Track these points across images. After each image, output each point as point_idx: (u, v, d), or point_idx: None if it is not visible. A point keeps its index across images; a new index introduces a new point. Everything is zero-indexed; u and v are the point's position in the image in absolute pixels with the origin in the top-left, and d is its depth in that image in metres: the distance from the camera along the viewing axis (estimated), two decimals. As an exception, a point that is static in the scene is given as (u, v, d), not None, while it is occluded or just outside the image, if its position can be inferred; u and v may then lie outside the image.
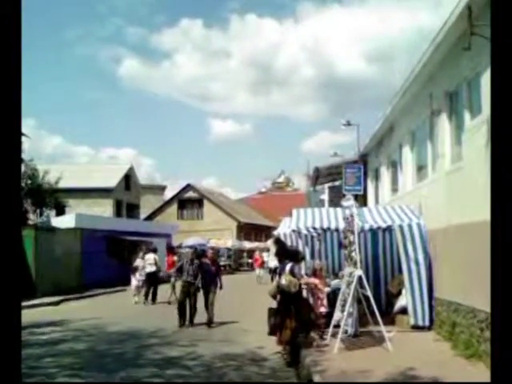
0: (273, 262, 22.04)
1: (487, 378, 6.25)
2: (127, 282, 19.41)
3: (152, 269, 17.33)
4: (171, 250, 21.46)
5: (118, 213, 39.64)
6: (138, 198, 45.29)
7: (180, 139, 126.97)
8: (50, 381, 4.82)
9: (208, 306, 11.85)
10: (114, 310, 15.25)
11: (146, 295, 17.07)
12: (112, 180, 39.86)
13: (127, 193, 42.55)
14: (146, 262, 17.54)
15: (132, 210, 43.06)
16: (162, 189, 56.82)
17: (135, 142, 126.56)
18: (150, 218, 46.05)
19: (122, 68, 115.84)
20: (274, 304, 8.80)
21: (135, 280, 17.59)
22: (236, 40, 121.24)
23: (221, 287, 12.21)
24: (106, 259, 23.77)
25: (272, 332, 8.68)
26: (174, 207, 48.38)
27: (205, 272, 12.09)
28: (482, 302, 7.26)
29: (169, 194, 53.66)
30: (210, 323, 11.65)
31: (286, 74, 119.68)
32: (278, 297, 8.51)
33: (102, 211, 34.96)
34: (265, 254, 39.70)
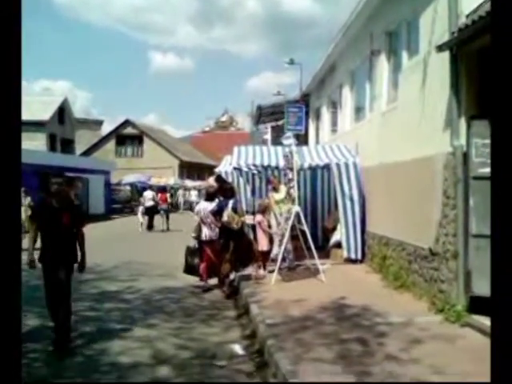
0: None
1: (413, 305, 6.80)
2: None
3: (150, 203, 20.73)
4: (163, 188, 24.61)
5: (52, 147, 37.94)
6: (72, 132, 43.34)
7: (119, 72, 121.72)
8: (53, 381, 4.84)
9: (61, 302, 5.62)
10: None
11: (150, 224, 20.67)
12: (45, 113, 37.72)
13: (61, 127, 40.58)
14: (146, 198, 20.88)
15: (67, 145, 41.29)
16: (99, 124, 54.46)
17: (71, 74, 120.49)
18: (86, 153, 44.33)
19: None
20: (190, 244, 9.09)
21: None
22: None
23: (81, 266, 5.79)
24: (39, 195, 22.82)
25: (188, 271, 8.93)
26: (112, 143, 46.68)
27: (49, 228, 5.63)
28: (409, 235, 7.74)
29: (106, 129, 51.68)
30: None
31: (231, 7, 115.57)
32: (205, 232, 8.69)
33: (36, 146, 33.20)
34: (193, 193, 39.29)
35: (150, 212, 20.93)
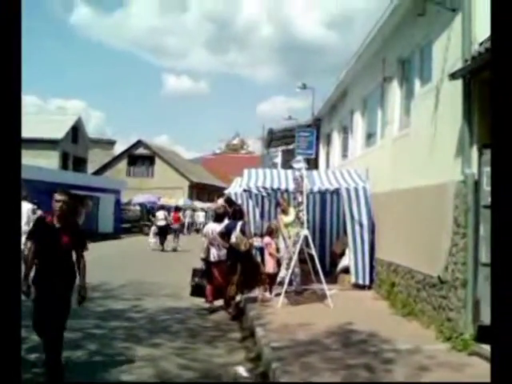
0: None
1: (421, 333, 6.70)
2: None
3: (163, 223, 21.12)
4: (177, 208, 25.61)
5: (64, 166, 38.28)
6: (85, 151, 43.79)
7: (132, 93, 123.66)
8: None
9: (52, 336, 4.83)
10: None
11: (162, 243, 20.91)
12: (59, 131, 38.20)
13: (74, 145, 41.01)
14: (158, 218, 21.27)
15: (79, 164, 41.65)
16: (112, 143, 55.09)
17: (85, 94, 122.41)
18: (98, 172, 44.74)
19: (74, 16, 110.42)
20: (198, 265, 9.08)
21: None
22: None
23: (81, 298, 5.04)
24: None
25: (195, 292, 8.88)
26: (124, 163, 47.14)
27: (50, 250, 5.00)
28: (419, 263, 7.66)
29: (119, 149, 52.25)
30: None
31: (245, 33, 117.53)
32: (214, 253, 8.65)
33: (48, 163, 33.51)
34: (200, 214, 38.63)
35: (162, 232, 21.39)
